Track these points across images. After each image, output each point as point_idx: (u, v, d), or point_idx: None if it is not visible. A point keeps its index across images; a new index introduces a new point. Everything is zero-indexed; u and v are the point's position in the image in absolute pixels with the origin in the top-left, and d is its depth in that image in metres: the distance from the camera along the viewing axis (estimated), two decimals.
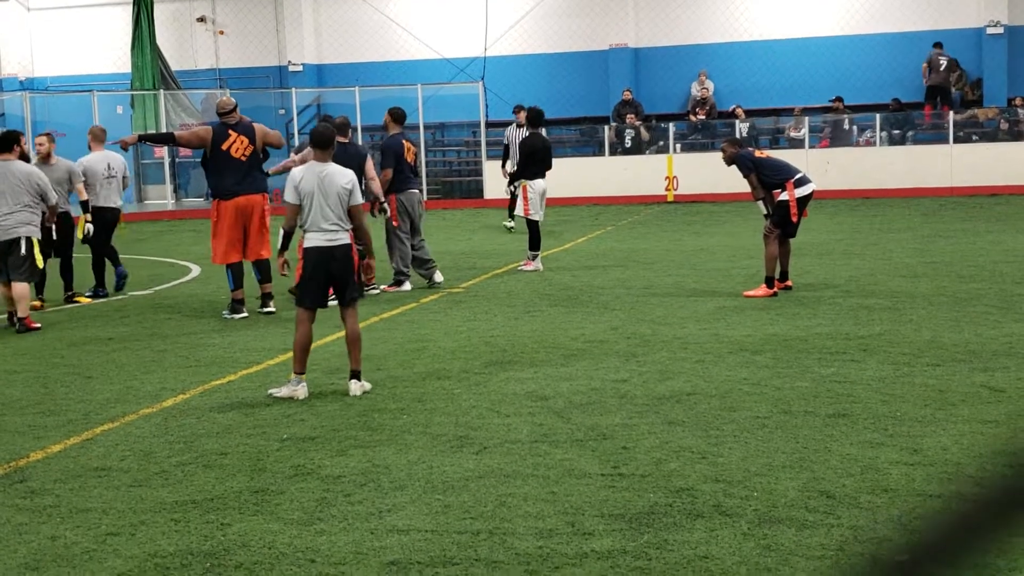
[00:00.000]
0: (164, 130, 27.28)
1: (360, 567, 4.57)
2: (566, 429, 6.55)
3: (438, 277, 12.92)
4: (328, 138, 7.83)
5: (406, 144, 12.99)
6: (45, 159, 12.40)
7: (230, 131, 11.19)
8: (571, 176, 25.69)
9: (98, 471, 6.03)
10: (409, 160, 13.00)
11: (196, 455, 6.27)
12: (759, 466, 5.72)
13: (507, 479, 5.64)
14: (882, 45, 27.60)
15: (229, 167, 11.15)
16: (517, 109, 18.55)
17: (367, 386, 7.69)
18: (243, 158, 11.18)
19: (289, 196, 7.72)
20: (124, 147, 11.73)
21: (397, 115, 13.22)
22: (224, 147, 11.14)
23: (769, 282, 11.35)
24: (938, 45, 26.48)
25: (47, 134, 12.99)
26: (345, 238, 7.71)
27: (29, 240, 11.04)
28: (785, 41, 28.45)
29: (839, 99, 26.28)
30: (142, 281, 14.47)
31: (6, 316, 11.15)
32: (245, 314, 11.11)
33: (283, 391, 7.59)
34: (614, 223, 20.96)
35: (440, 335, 9.79)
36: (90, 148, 13.41)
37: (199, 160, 11.66)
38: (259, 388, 7.93)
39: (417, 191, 13.16)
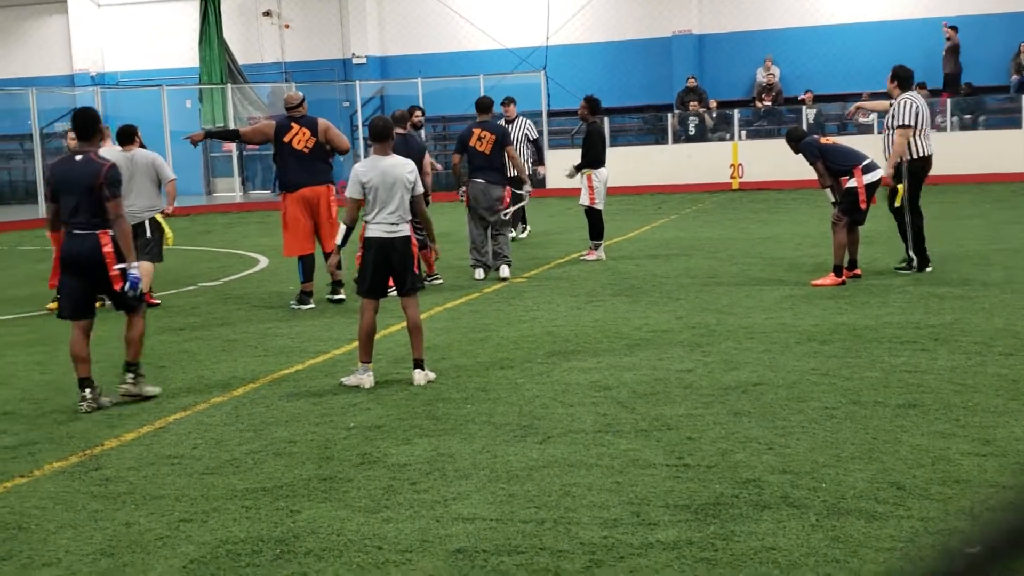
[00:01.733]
0: (232, 124, 27.69)
1: (426, 555, 4.61)
2: (630, 419, 6.54)
3: (503, 272, 12.74)
4: (386, 130, 7.87)
5: (476, 132, 12.79)
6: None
7: (293, 124, 11.30)
8: (634, 165, 25.60)
9: (171, 459, 6.15)
10: (480, 149, 12.73)
11: (266, 443, 6.36)
12: (827, 457, 5.67)
13: (571, 469, 5.64)
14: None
15: (292, 159, 11.27)
16: (507, 102, 17.11)
17: (431, 375, 7.74)
18: (305, 150, 11.26)
19: (353, 191, 7.77)
20: (193, 143, 11.94)
21: (477, 104, 13.31)
22: (286, 139, 11.26)
23: (838, 270, 11.22)
24: (951, 28, 25.88)
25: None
26: (405, 230, 7.77)
27: (153, 220, 11.70)
28: (853, 25, 28.05)
29: (922, 84, 25.80)
30: (212, 272, 14.69)
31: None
32: (312, 305, 11.24)
33: (351, 380, 7.68)
34: (678, 212, 20.84)
35: (503, 325, 9.82)
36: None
37: (271, 154, 11.82)
38: (326, 377, 8.02)
39: (482, 181, 12.71)
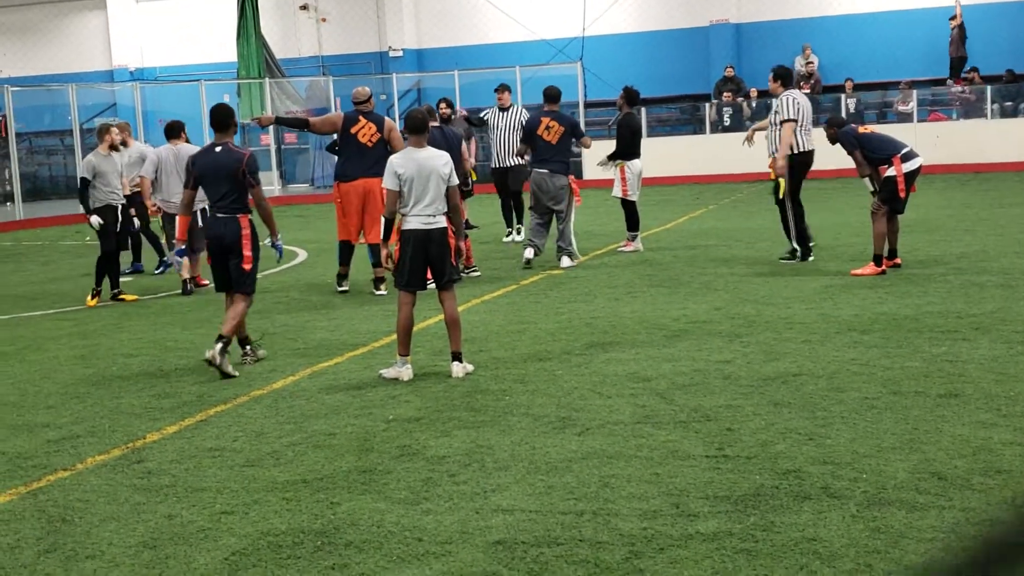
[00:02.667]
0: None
1: (466, 546, 4.62)
2: (669, 410, 6.52)
3: (564, 263, 12.85)
4: (423, 123, 7.91)
5: (544, 121, 12.93)
6: (114, 148, 12.55)
7: (361, 117, 11.55)
8: (672, 155, 25.49)
9: (212, 451, 6.20)
10: (547, 139, 12.88)
11: (306, 435, 6.40)
12: (868, 448, 5.63)
13: (610, 460, 5.64)
14: (994, 15, 26.75)
15: (355, 151, 11.51)
16: (501, 89, 16.48)
17: (469, 368, 7.76)
18: (369, 144, 11.49)
19: (390, 183, 7.80)
20: (261, 125, 12.54)
21: (544, 94, 13.33)
22: (353, 131, 11.47)
23: (877, 260, 11.13)
24: (953, 18, 25.69)
25: (123, 124, 13.56)
26: (442, 221, 7.78)
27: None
28: (891, 13, 27.75)
29: (975, 69, 25.47)
30: None
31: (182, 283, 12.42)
32: (345, 288, 11.78)
33: (390, 372, 7.72)
34: (716, 202, 20.75)
35: (541, 316, 9.82)
36: (125, 144, 13.79)
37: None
38: (365, 370, 8.06)
39: (546, 171, 12.88)
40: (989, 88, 24.70)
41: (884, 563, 4.25)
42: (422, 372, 7.83)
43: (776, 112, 12.16)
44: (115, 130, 12.71)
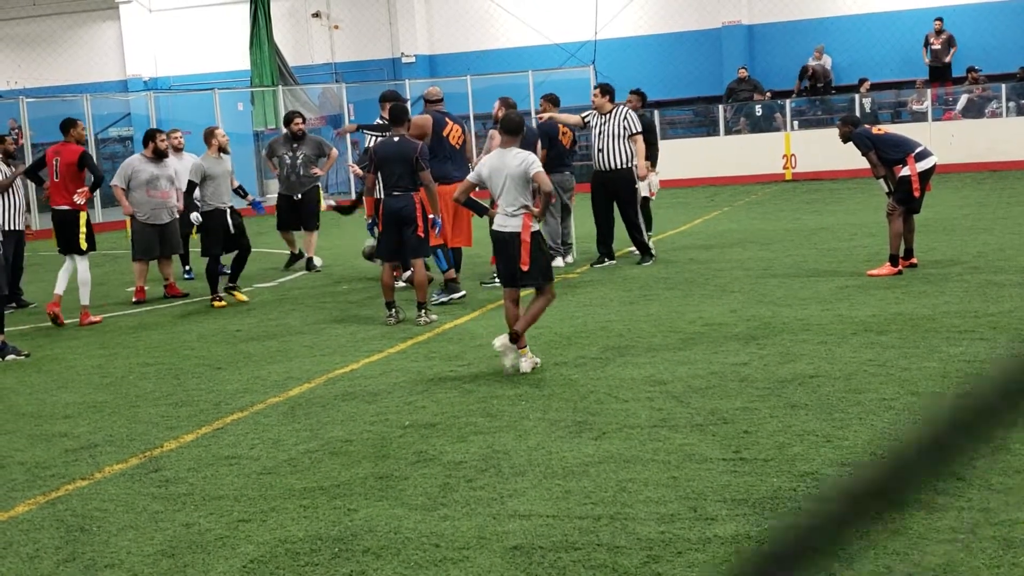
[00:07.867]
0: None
1: (483, 552, 4.62)
2: (685, 413, 6.50)
3: (558, 262, 13.04)
4: (519, 124, 8.13)
5: (561, 127, 13.46)
6: (224, 151, 12.75)
7: (447, 119, 11.61)
8: (686, 157, 25.44)
9: (229, 459, 6.21)
10: (564, 143, 13.50)
11: (322, 442, 6.41)
12: (886, 449, 5.60)
13: (627, 464, 5.63)
14: (1007, 13, 26.63)
15: (448, 153, 11.50)
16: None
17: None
18: (457, 145, 11.65)
19: (473, 176, 8.18)
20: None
21: (554, 99, 13.72)
22: (444, 133, 11.49)
23: (893, 260, 11.09)
24: (938, 20, 25.75)
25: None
26: (513, 225, 7.90)
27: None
28: (905, 12, 27.65)
29: (974, 68, 25.40)
30: (266, 274, 14.81)
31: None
32: (463, 292, 11.30)
33: (501, 345, 7.79)
34: (730, 204, 20.69)
35: (556, 321, 9.80)
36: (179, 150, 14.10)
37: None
38: (381, 376, 8.06)
39: (568, 173, 13.59)
40: (1004, 86, 24.57)
41: (904, 565, 4.23)
42: (437, 378, 7.83)
43: (619, 125, 12.85)
44: (220, 132, 12.84)
